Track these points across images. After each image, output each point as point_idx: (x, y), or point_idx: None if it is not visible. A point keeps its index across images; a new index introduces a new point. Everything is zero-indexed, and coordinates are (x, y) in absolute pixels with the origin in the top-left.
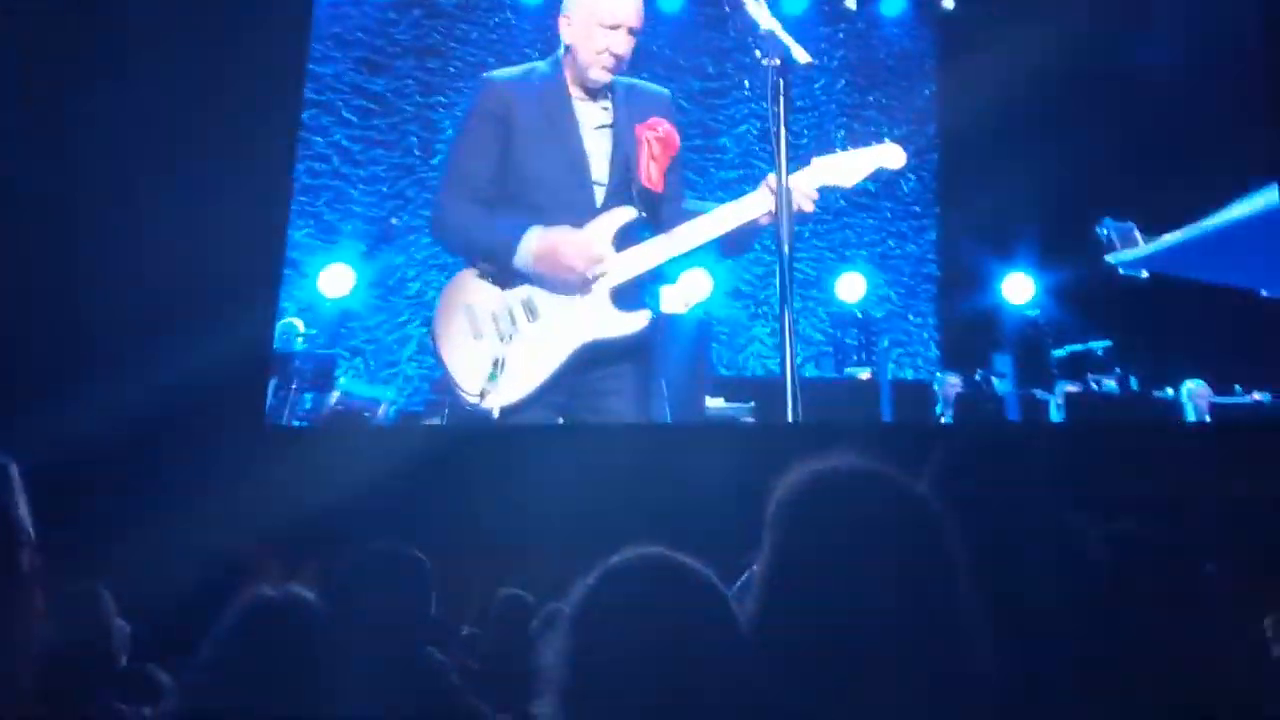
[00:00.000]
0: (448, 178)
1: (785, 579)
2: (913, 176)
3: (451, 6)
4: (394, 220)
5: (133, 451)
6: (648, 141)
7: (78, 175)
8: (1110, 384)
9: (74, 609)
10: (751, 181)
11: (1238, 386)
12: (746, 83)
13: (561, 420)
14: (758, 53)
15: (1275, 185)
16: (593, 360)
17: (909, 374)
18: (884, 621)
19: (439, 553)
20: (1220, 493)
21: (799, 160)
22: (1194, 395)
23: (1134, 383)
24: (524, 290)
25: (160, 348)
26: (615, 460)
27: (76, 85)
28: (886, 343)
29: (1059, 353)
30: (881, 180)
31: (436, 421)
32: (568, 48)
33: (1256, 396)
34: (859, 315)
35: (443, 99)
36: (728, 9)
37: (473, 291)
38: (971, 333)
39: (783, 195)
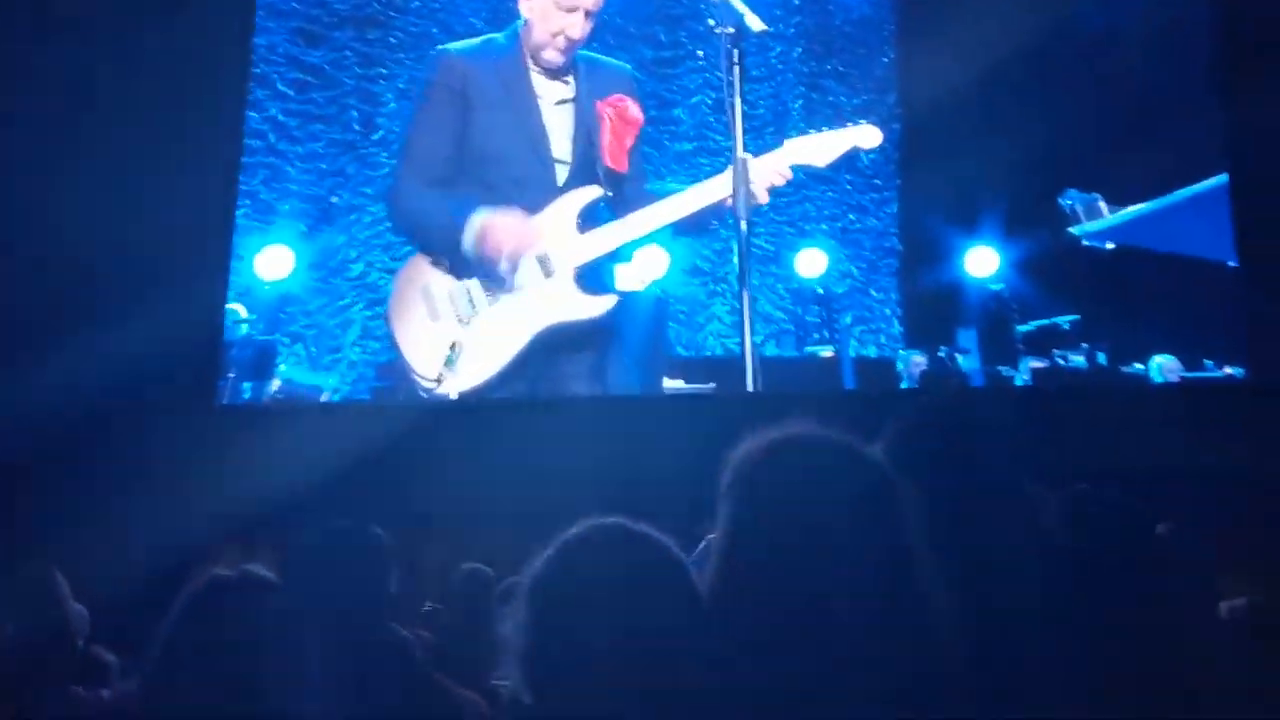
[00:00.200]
0: (404, 158)
1: (742, 547)
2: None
3: None
4: (334, 199)
5: (85, 433)
6: (611, 119)
7: (9, 147)
8: (1078, 359)
9: (28, 593)
10: (707, 154)
11: (1209, 361)
12: (700, 52)
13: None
14: (711, 20)
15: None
16: (555, 344)
17: (871, 351)
18: (840, 588)
19: (398, 529)
20: (1177, 458)
21: (756, 131)
22: (1164, 370)
23: (1102, 358)
24: (481, 272)
25: (109, 328)
26: (573, 433)
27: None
28: (849, 319)
29: (1025, 328)
30: None
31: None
32: (526, 21)
33: (1229, 371)
34: (820, 291)
35: (383, 71)
36: None
37: (429, 273)
38: (935, 308)
39: (739, 169)
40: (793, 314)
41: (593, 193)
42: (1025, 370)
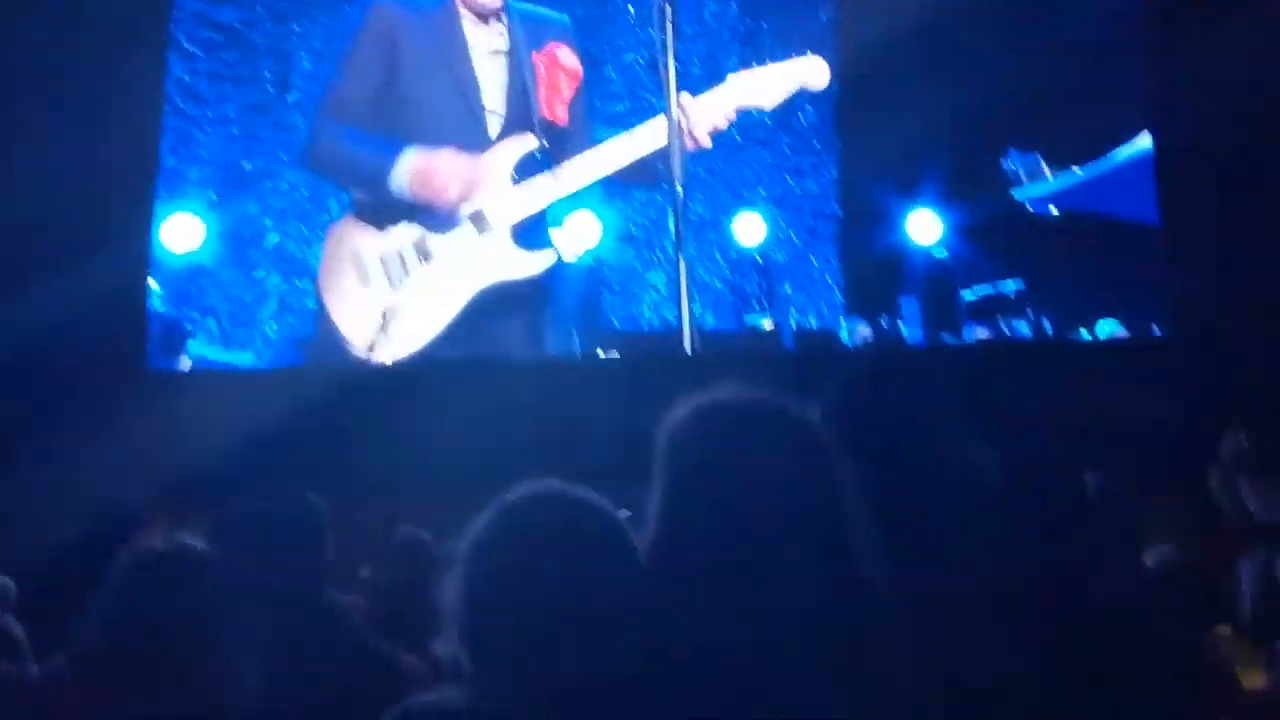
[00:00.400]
0: (324, 102)
1: (680, 510)
2: (810, 108)
3: None
4: (246, 164)
5: (7, 402)
6: (546, 69)
7: None
8: (1023, 327)
9: None
10: (641, 114)
11: (1155, 326)
12: (631, 9)
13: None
14: None
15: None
16: (492, 305)
17: (813, 321)
18: (778, 547)
19: (334, 495)
20: (1107, 413)
21: (690, 90)
22: (1111, 338)
23: (1048, 326)
24: (414, 231)
25: (29, 296)
26: (510, 396)
27: None
28: (789, 288)
29: (968, 295)
30: (778, 112)
31: None
32: None
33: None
34: (759, 259)
35: (297, 28)
36: None
37: (358, 237)
38: (877, 275)
39: (674, 131)
40: (731, 283)
41: (528, 143)
42: (970, 338)
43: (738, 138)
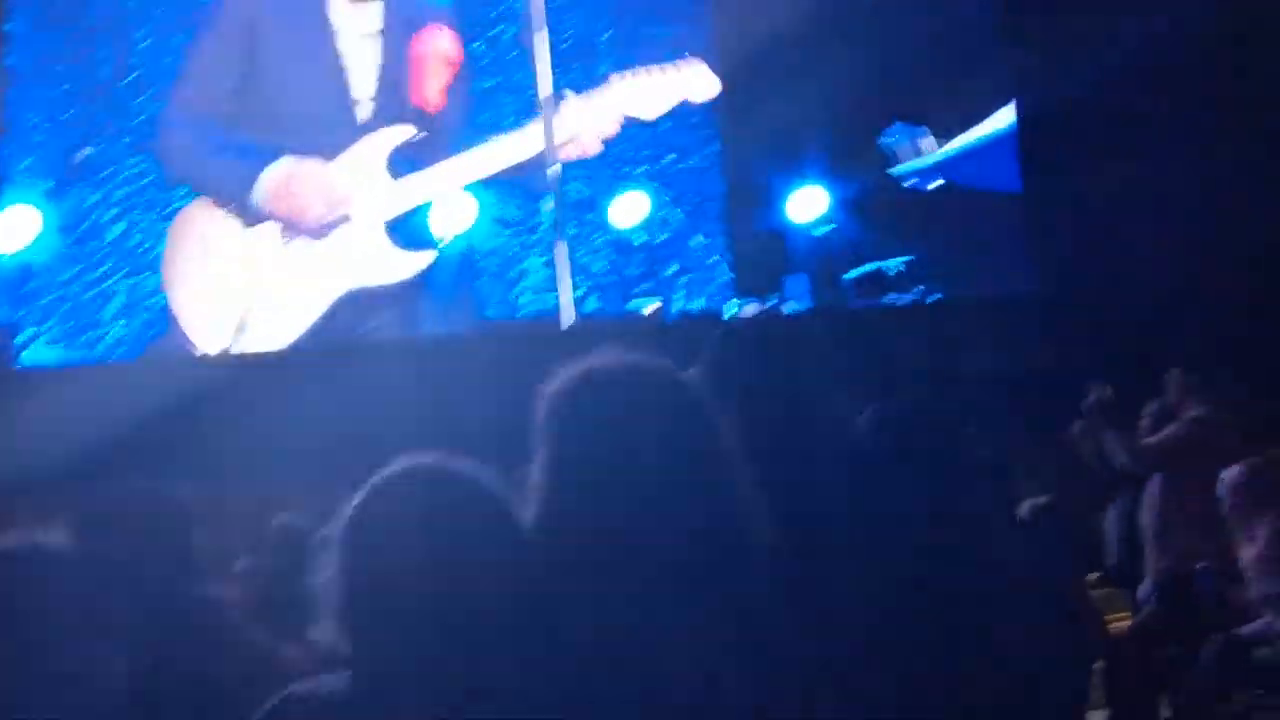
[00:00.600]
0: (176, 89)
1: (561, 479)
2: None
3: None
4: (85, 151)
5: None
6: (422, 53)
7: None
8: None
9: None
10: (509, 91)
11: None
12: None
13: None
14: None
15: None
16: (361, 308)
17: (700, 303)
18: (660, 512)
19: (203, 486)
20: (980, 366)
21: (563, 66)
22: (980, 295)
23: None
24: (276, 224)
25: None
26: (383, 378)
27: None
28: (674, 269)
29: (856, 272)
30: None
31: None
32: None
33: None
34: (642, 240)
35: (135, 5)
36: None
37: (211, 226)
38: (764, 254)
39: (548, 109)
40: (614, 264)
41: (401, 133)
42: None
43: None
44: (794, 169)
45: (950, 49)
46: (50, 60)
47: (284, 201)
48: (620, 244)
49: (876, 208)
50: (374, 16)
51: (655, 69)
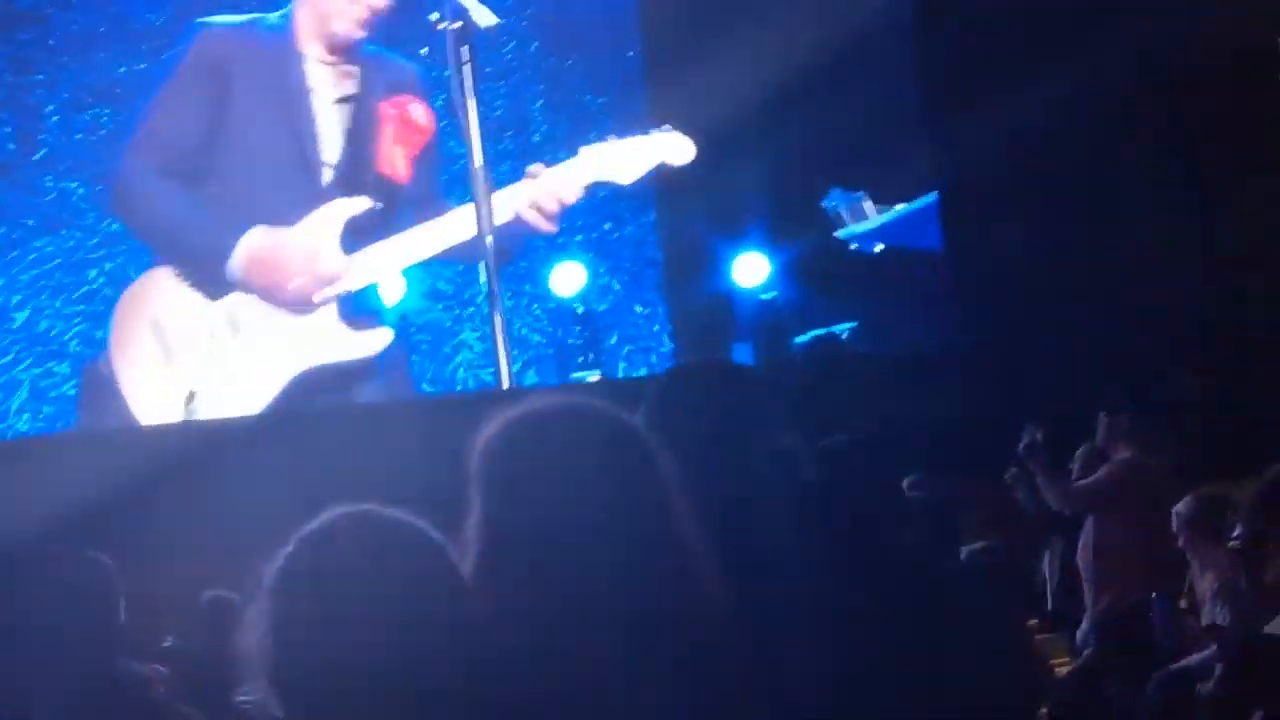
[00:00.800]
0: (137, 139)
1: (498, 523)
2: None
3: None
4: None
5: None
6: (392, 121)
7: None
8: None
9: None
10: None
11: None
12: (425, 50)
13: None
14: (434, 15)
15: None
16: (315, 388)
17: (642, 372)
18: (602, 548)
19: (131, 563)
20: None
21: (494, 136)
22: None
23: None
24: (230, 299)
25: None
26: (318, 448)
27: None
28: (615, 339)
29: (802, 339)
30: None
31: None
32: None
33: None
34: (580, 310)
35: (42, 77)
36: None
37: (163, 300)
38: (707, 322)
39: (478, 182)
40: (552, 336)
41: (358, 205)
42: None
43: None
44: (734, 235)
45: (885, 118)
46: None
47: (263, 274)
48: (559, 314)
49: (820, 272)
50: (348, 77)
51: (629, 138)
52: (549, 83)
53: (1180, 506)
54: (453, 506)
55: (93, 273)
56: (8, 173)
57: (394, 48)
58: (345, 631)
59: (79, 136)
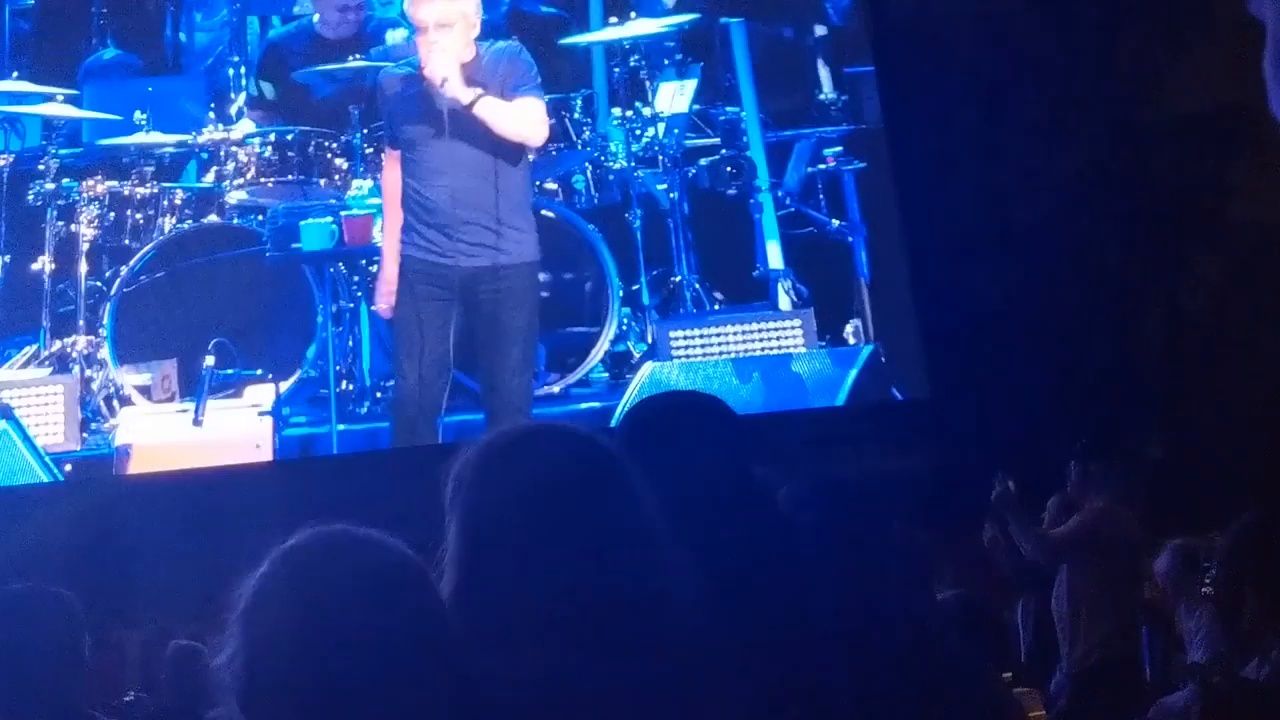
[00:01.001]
0: None
1: (475, 545)
2: None
3: None
4: None
5: None
6: None
7: None
8: None
9: None
10: None
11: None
12: None
13: None
14: None
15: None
16: None
17: None
18: (581, 573)
19: (98, 613)
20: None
21: None
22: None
23: None
24: None
25: None
26: (288, 499)
27: None
28: None
29: None
30: None
31: None
32: None
33: None
34: None
35: None
36: None
37: None
38: None
39: None
40: None
41: None
42: None
43: None
44: None
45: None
46: None
47: None
48: None
49: None
50: None
51: None
52: None
53: (1159, 563)
54: (429, 539)
55: None
56: None
57: None
58: (319, 652)
59: None
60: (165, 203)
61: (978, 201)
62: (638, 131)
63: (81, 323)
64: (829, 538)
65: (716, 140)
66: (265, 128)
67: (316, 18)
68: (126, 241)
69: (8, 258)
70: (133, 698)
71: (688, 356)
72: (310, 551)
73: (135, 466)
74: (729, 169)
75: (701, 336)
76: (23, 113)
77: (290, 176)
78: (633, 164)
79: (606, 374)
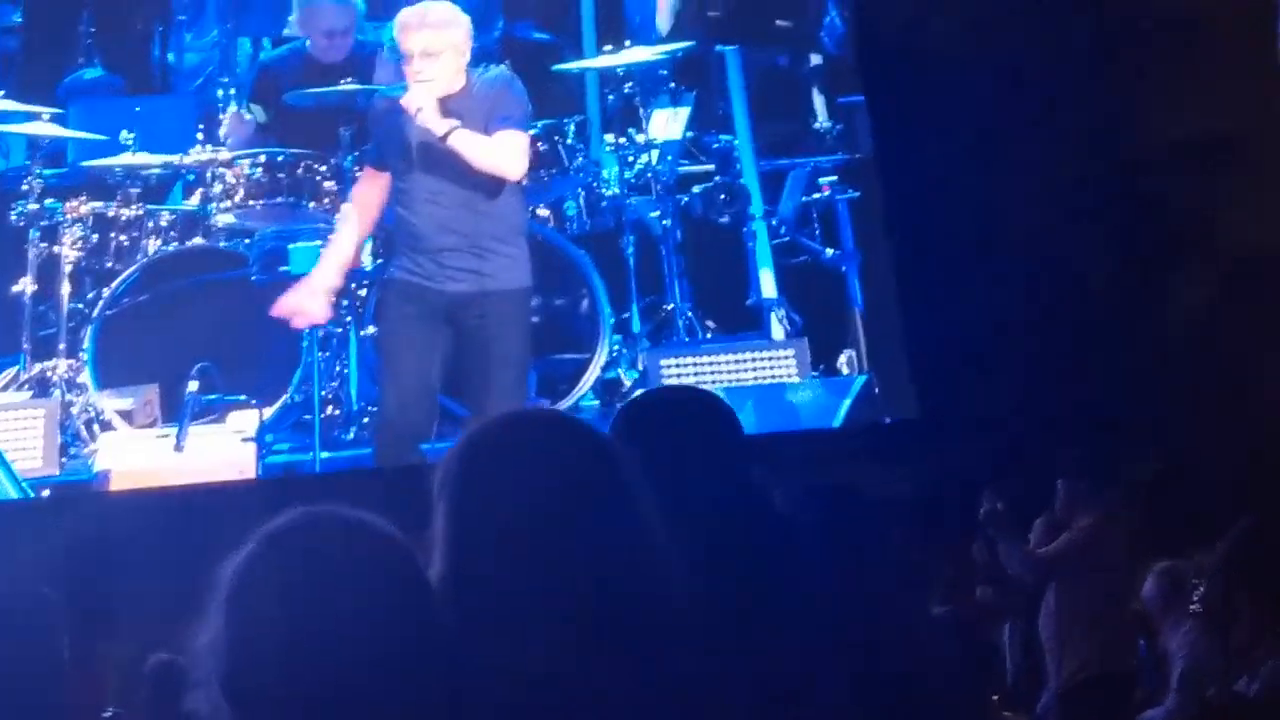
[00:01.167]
0: None
1: (466, 532)
2: None
3: None
4: None
5: None
6: None
7: None
8: None
9: None
10: None
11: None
12: None
13: None
14: None
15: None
16: None
17: None
18: (575, 560)
19: (77, 629)
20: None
21: None
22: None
23: None
24: None
25: None
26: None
27: None
28: None
29: None
30: None
31: None
32: None
33: None
34: None
35: None
36: None
37: None
38: None
39: None
40: None
41: None
42: None
43: None
44: None
45: None
46: None
47: None
48: None
49: None
50: None
51: None
52: None
53: (1144, 588)
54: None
55: None
56: None
57: None
58: (304, 634)
59: None
60: (150, 224)
61: (966, 226)
62: (631, 158)
63: (63, 346)
64: (825, 536)
65: (710, 168)
66: (255, 149)
67: (309, 42)
68: (110, 264)
69: None
70: (111, 715)
71: None
72: (295, 532)
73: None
74: (722, 196)
75: (694, 365)
76: (7, 131)
77: (279, 199)
78: (625, 190)
79: (597, 401)
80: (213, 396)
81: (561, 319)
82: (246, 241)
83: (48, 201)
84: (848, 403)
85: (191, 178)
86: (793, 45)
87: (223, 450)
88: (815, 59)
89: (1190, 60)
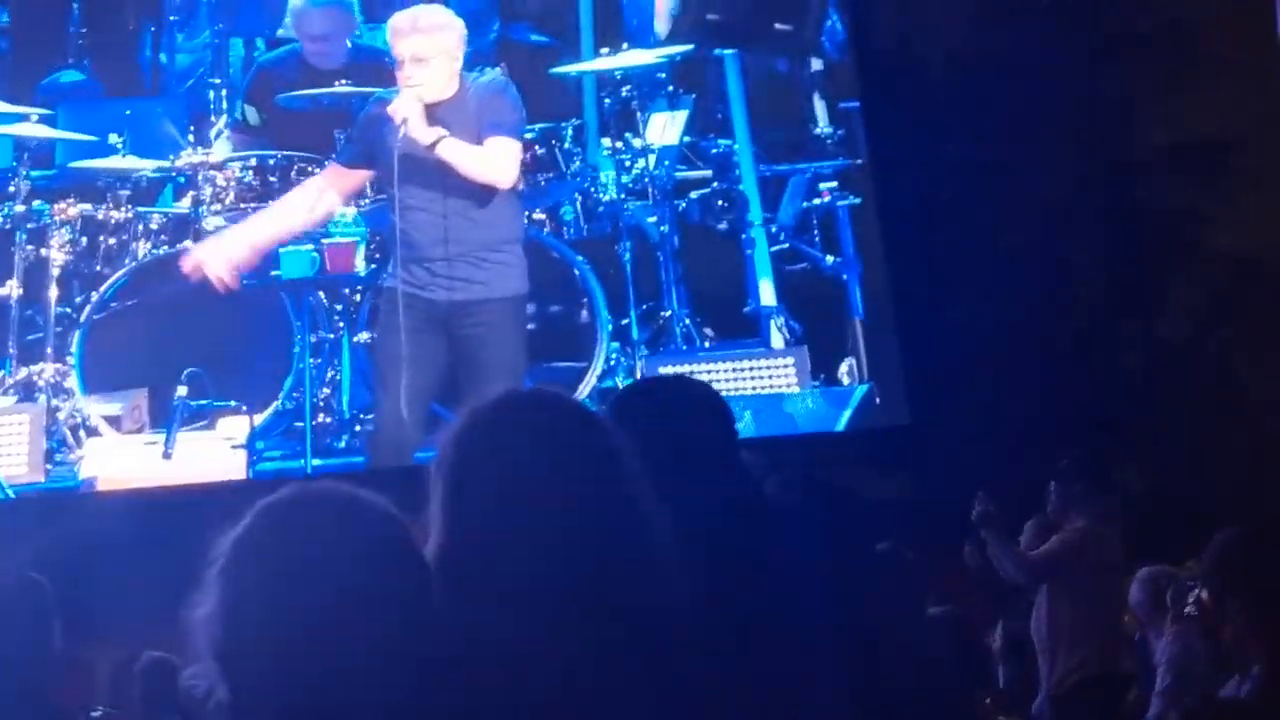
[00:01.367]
0: None
1: (462, 507)
2: None
3: None
4: None
5: None
6: None
7: None
8: None
9: None
10: None
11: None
12: None
13: None
14: None
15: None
16: None
17: None
18: (568, 540)
19: (71, 629)
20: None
21: None
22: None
23: None
24: None
25: None
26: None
27: None
28: None
29: None
30: None
31: None
32: None
33: None
34: None
35: None
36: None
37: None
38: None
39: None
40: None
41: None
42: None
43: None
44: None
45: None
46: None
47: None
48: None
49: None
50: None
51: None
52: None
53: (1131, 596)
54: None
55: None
56: None
57: None
58: (299, 607)
59: None
60: (140, 227)
61: (960, 232)
62: (628, 163)
63: (49, 350)
64: (821, 537)
65: (708, 173)
66: (247, 152)
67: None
68: (98, 267)
69: None
70: (101, 713)
71: None
72: (291, 505)
73: None
74: (721, 202)
75: (692, 373)
76: None
77: (270, 202)
78: (623, 196)
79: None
80: (202, 402)
81: (559, 326)
82: None
83: (35, 204)
84: (848, 413)
85: (182, 180)
86: (793, 50)
87: (212, 457)
88: (816, 64)
89: (1187, 65)
